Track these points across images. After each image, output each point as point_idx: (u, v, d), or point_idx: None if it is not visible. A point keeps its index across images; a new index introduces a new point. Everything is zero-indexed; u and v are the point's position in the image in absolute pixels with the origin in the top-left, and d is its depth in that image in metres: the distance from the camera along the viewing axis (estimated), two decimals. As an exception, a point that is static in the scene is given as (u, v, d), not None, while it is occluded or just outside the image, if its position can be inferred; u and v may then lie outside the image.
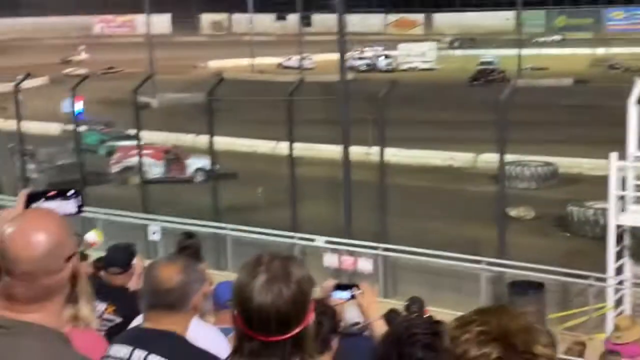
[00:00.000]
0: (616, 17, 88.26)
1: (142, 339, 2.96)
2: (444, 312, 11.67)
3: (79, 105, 27.18)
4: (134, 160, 27.06)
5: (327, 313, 3.68)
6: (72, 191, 2.39)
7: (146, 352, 2.90)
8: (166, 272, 3.01)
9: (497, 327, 1.80)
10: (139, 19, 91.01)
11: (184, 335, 2.99)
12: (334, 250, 16.15)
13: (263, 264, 2.20)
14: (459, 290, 15.15)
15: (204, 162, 27.43)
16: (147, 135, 30.90)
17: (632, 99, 13.90)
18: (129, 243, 6.21)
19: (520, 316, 1.83)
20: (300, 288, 2.20)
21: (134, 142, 30.02)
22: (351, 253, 16.03)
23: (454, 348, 1.83)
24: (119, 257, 5.48)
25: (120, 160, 28.20)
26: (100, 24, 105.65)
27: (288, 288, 2.17)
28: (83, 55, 77.49)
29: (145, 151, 27.82)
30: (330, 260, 15.87)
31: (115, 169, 28.42)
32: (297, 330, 2.19)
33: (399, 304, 10.75)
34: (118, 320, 4.79)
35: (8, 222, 2.10)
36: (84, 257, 7.51)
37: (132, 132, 31.57)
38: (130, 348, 2.94)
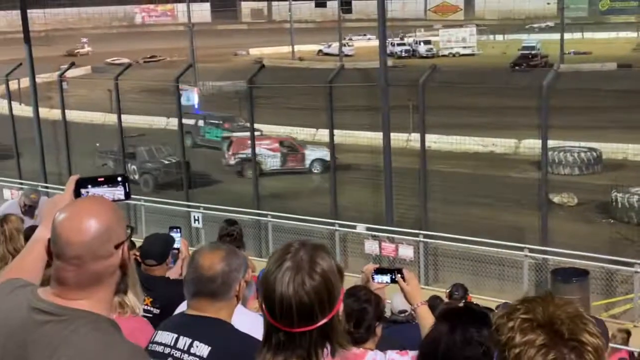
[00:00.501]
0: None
1: (187, 326, 2.98)
2: (486, 299, 11.64)
3: (195, 98, 26.34)
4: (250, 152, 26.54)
5: (371, 300, 3.68)
6: (120, 177, 2.45)
7: (191, 339, 2.92)
8: (208, 261, 3.02)
9: (543, 314, 1.79)
10: (180, 8, 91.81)
11: (228, 322, 3.00)
12: (374, 237, 16.13)
13: (290, 253, 2.13)
14: (501, 277, 15.06)
15: (322, 153, 26.03)
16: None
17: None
18: (174, 227, 5.65)
19: (568, 304, 1.82)
20: (325, 279, 2.11)
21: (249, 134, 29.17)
22: (392, 240, 16.00)
23: (499, 336, 1.82)
24: (155, 249, 5.27)
25: (236, 152, 26.57)
26: (141, 13, 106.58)
27: (312, 279, 2.09)
28: (86, 48, 77.97)
29: (261, 142, 27.18)
30: (371, 247, 15.84)
31: (231, 161, 26.76)
32: (323, 321, 2.10)
33: (440, 292, 10.71)
34: (155, 311, 4.70)
35: (62, 209, 2.15)
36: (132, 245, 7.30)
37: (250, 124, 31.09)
38: (175, 335, 2.96)
